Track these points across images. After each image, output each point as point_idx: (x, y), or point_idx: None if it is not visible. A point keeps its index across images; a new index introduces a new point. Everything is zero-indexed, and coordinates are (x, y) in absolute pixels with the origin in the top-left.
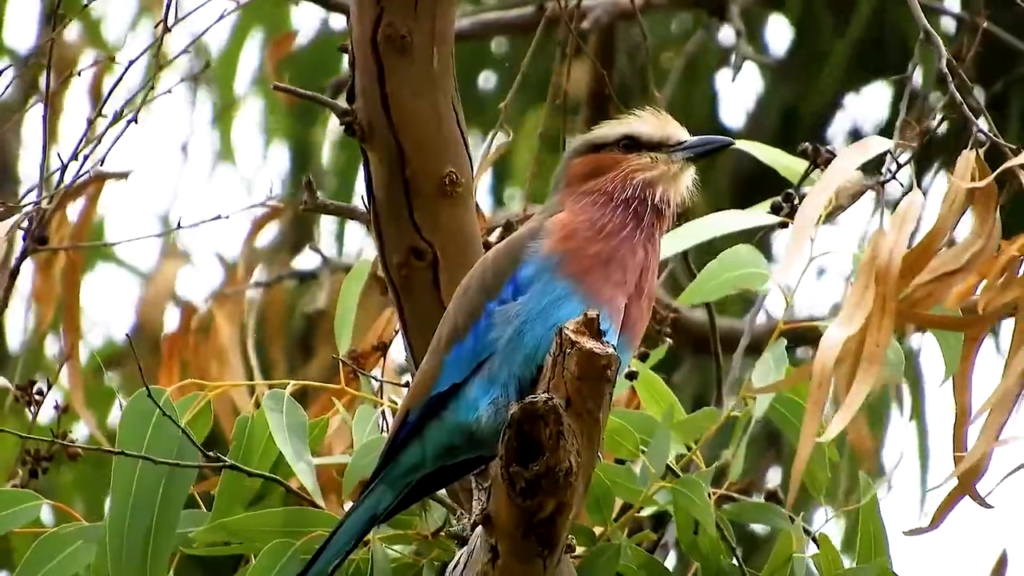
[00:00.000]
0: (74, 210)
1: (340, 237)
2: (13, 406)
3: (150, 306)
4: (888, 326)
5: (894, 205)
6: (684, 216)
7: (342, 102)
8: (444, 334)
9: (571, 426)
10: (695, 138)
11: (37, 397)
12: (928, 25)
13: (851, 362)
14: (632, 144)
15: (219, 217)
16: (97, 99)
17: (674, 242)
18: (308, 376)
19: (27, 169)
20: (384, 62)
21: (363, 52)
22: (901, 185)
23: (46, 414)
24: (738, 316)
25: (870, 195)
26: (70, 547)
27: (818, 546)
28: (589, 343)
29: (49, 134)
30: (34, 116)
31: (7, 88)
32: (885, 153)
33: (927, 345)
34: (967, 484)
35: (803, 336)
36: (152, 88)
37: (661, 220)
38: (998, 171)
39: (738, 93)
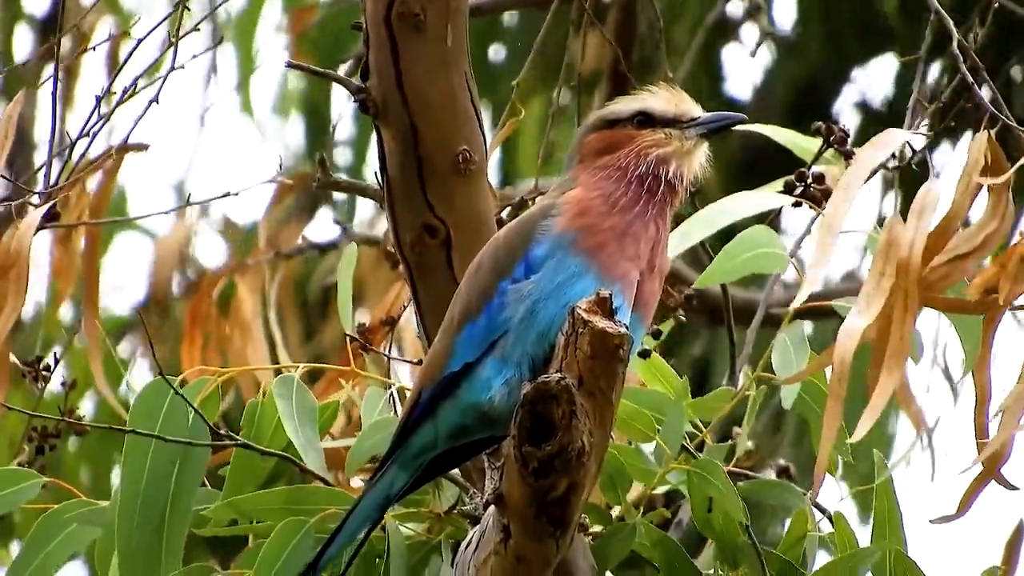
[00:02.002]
0: (92, 183)
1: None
2: (22, 380)
3: (160, 272)
4: (911, 321)
5: (904, 185)
6: (696, 193)
7: (355, 79)
8: (457, 313)
9: (584, 406)
10: (708, 114)
11: (44, 373)
12: (939, 6)
13: (875, 357)
14: (646, 120)
15: (228, 194)
16: (114, 67)
17: (692, 230)
18: (324, 347)
19: (43, 134)
20: (398, 40)
21: (377, 30)
22: (915, 169)
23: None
24: (749, 287)
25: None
26: (73, 525)
27: (833, 524)
28: (601, 322)
29: (65, 102)
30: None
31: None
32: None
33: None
34: (992, 468)
35: (819, 311)
36: (172, 69)
37: (674, 196)
38: (1014, 168)
39: (746, 67)
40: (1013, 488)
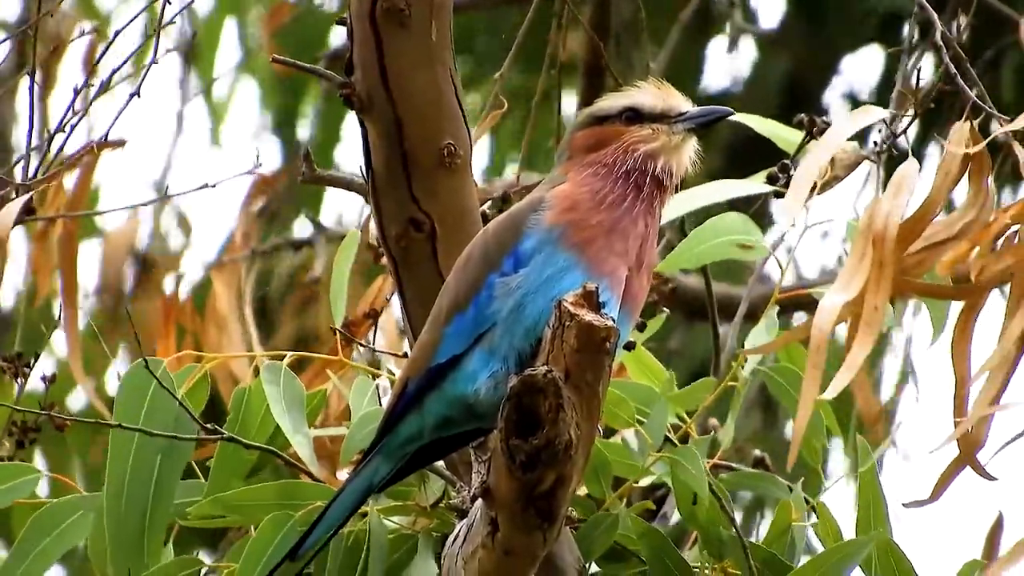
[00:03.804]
0: (70, 180)
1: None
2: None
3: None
4: (886, 289)
5: (888, 175)
6: (681, 186)
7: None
8: (444, 305)
9: (570, 399)
10: (696, 109)
11: (25, 369)
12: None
13: (850, 324)
14: (635, 116)
15: (206, 186)
16: (91, 69)
17: (669, 210)
18: (301, 343)
19: (21, 139)
20: (383, 35)
21: (362, 25)
22: (896, 152)
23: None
24: (735, 283)
25: (865, 167)
26: (69, 519)
27: (817, 515)
28: (588, 315)
29: (41, 105)
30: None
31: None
32: (881, 123)
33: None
34: (968, 454)
35: (800, 303)
36: (153, 61)
37: (663, 191)
38: (991, 137)
39: (733, 60)
40: (991, 478)
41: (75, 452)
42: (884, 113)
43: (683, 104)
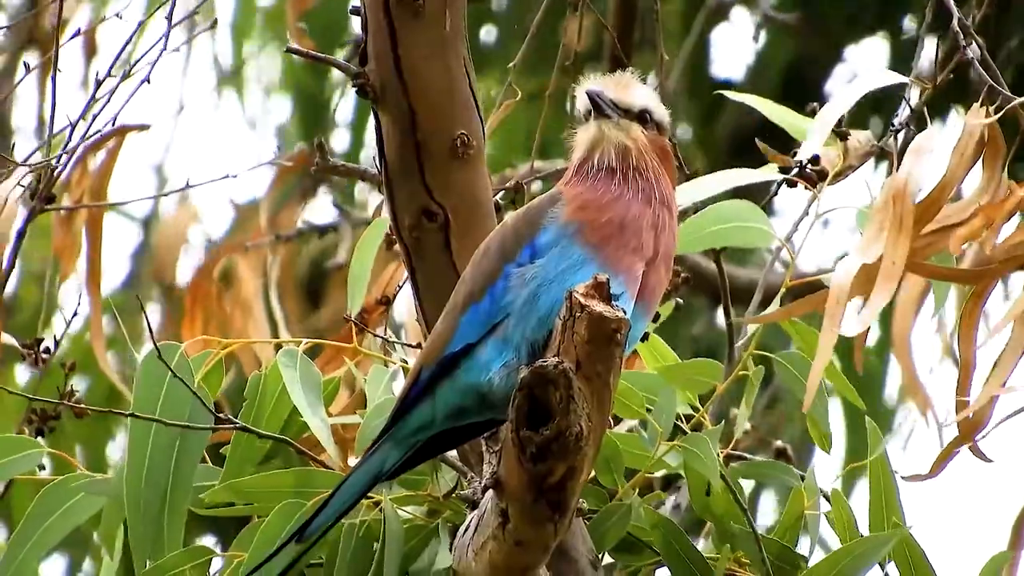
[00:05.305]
0: (93, 164)
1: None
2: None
3: (164, 254)
4: (904, 244)
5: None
6: (689, 177)
7: (353, 63)
8: (461, 295)
9: (581, 390)
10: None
11: (44, 356)
12: None
13: (871, 277)
14: (590, 112)
15: (227, 176)
16: (91, 53)
17: (680, 199)
18: (322, 328)
19: (21, 122)
20: (396, 25)
21: (375, 15)
22: (911, 128)
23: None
24: (748, 266)
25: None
26: (74, 498)
27: (830, 503)
28: (599, 307)
29: (42, 88)
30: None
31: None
32: (895, 113)
33: None
34: (968, 435)
35: (813, 290)
36: (175, 49)
37: (642, 179)
38: (1006, 108)
39: (738, 48)
40: (987, 460)
41: (75, 439)
42: (902, 78)
43: (633, 96)
